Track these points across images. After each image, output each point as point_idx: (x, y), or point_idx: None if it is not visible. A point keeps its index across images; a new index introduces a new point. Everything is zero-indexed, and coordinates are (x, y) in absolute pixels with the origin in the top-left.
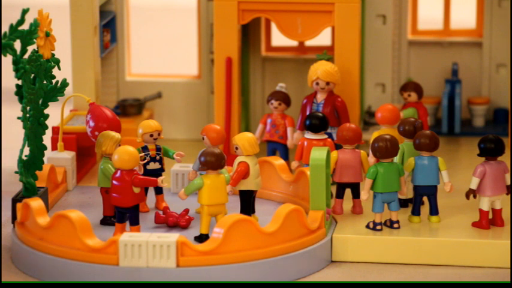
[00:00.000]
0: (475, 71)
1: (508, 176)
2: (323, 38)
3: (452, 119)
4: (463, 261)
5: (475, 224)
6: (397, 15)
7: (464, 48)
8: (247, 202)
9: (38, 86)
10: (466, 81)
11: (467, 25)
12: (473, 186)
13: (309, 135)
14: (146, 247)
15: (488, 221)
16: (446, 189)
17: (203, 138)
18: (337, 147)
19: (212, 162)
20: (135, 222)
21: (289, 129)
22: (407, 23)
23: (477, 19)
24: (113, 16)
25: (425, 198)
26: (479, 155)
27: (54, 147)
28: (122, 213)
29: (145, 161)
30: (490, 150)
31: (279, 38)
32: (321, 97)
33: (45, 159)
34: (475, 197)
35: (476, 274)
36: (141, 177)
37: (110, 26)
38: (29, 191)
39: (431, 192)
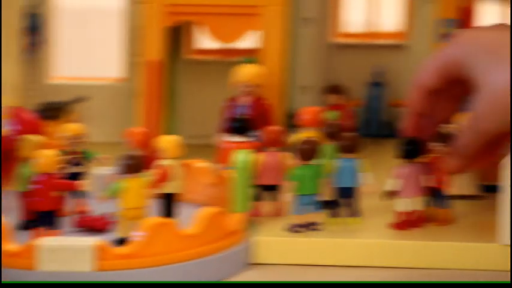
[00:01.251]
0: (399, 74)
1: (426, 178)
2: (249, 41)
3: (375, 122)
4: (382, 262)
5: (391, 225)
6: (322, 18)
7: (387, 51)
8: (169, 205)
9: None
10: (389, 84)
11: (390, 28)
12: (391, 187)
13: (232, 137)
14: (65, 251)
15: (405, 223)
16: (366, 191)
17: (126, 141)
18: (260, 149)
19: (134, 165)
20: (54, 226)
21: None
22: (331, 26)
23: (401, 22)
24: (38, 18)
25: (346, 200)
26: (398, 156)
27: None
28: (41, 217)
29: (67, 164)
30: (407, 152)
31: (204, 41)
32: (245, 100)
33: None
34: (391, 198)
35: (395, 275)
36: (61, 180)
37: (35, 29)
38: None
39: (351, 194)
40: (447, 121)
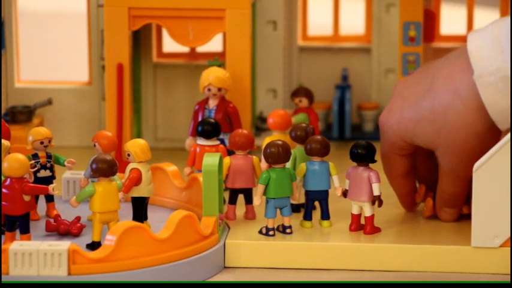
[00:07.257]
0: (364, 77)
1: (375, 186)
2: (214, 44)
3: (342, 124)
4: (355, 265)
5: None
6: (287, 22)
7: (353, 54)
8: (140, 209)
9: None
10: (355, 87)
11: (356, 31)
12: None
13: (201, 141)
14: (37, 255)
15: (356, 225)
16: (337, 194)
17: (94, 145)
18: (230, 153)
19: (104, 169)
20: (25, 231)
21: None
22: (297, 29)
23: (366, 25)
24: (0, 22)
25: (317, 203)
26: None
27: None
28: (11, 222)
29: (36, 168)
30: (356, 156)
31: (170, 44)
32: (213, 103)
33: None
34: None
35: (368, 278)
36: (32, 185)
37: None
38: None
39: (322, 197)
40: None
